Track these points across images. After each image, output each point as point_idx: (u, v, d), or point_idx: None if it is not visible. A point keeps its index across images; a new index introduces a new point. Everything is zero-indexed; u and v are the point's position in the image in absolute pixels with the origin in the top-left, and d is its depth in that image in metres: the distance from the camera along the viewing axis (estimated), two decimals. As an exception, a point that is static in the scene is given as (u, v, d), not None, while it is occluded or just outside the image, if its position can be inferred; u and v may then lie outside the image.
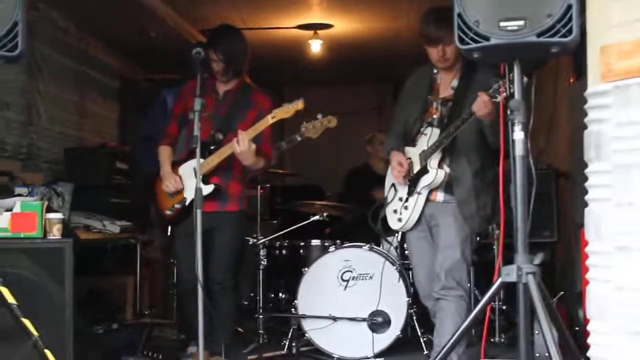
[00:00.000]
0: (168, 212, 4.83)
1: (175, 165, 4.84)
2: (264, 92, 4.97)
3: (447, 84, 4.35)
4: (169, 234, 5.17)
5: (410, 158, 4.34)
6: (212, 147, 4.66)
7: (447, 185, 4.26)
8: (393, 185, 4.47)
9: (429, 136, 4.25)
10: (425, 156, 4.24)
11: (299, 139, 4.69)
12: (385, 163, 6.49)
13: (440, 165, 4.23)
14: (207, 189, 4.54)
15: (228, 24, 5.16)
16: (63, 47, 6.97)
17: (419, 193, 4.27)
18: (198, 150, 4.12)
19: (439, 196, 4.28)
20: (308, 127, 4.64)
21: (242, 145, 4.49)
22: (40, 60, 6.49)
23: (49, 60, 6.64)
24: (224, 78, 4.84)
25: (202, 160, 4.44)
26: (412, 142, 4.37)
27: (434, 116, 4.32)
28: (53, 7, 6.62)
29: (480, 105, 3.91)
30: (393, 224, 4.44)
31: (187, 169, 4.75)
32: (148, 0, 5.82)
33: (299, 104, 4.57)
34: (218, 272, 4.72)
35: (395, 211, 4.41)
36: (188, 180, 4.74)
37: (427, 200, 4.28)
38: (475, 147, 4.20)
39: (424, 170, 4.25)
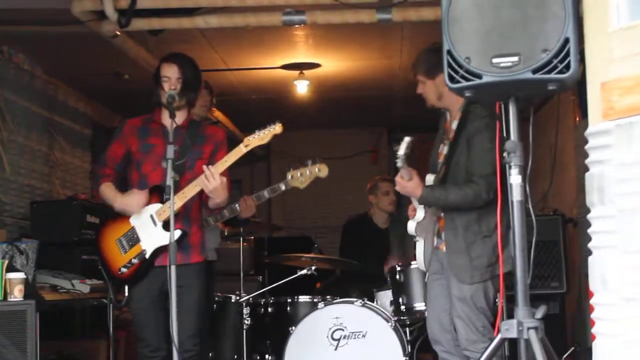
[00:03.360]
0: (123, 270, 4.48)
1: (127, 215, 4.53)
2: (214, 124, 4.77)
3: (452, 125, 4.37)
4: (126, 294, 4.66)
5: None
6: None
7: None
8: None
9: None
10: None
11: (284, 188, 4.55)
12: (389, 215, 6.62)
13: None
14: (172, 236, 4.04)
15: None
16: (29, 92, 6.97)
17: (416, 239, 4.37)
18: (172, 200, 4.02)
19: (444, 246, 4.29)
20: (295, 175, 4.46)
21: (214, 181, 4.27)
22: (5, 107, 6.49)
23: (14, 106, 6.64)
24: (173, 104, 4.35)
25: (159, 205, 4.33)
26: None
27: (439, 160, 4.38)
28: (18, 50, 6.64)
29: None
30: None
31: (142, 217, 4.47)
32: (118, 40, 5.83)
33: (276, 128, 4.34)
34: (187, 337, 4.37)
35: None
36: (144, 230, 4.46)
37: (437, 248, 4.32)
38: None
39: None
